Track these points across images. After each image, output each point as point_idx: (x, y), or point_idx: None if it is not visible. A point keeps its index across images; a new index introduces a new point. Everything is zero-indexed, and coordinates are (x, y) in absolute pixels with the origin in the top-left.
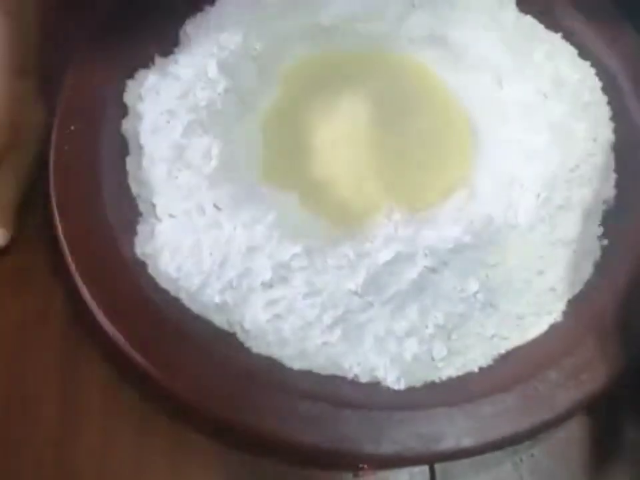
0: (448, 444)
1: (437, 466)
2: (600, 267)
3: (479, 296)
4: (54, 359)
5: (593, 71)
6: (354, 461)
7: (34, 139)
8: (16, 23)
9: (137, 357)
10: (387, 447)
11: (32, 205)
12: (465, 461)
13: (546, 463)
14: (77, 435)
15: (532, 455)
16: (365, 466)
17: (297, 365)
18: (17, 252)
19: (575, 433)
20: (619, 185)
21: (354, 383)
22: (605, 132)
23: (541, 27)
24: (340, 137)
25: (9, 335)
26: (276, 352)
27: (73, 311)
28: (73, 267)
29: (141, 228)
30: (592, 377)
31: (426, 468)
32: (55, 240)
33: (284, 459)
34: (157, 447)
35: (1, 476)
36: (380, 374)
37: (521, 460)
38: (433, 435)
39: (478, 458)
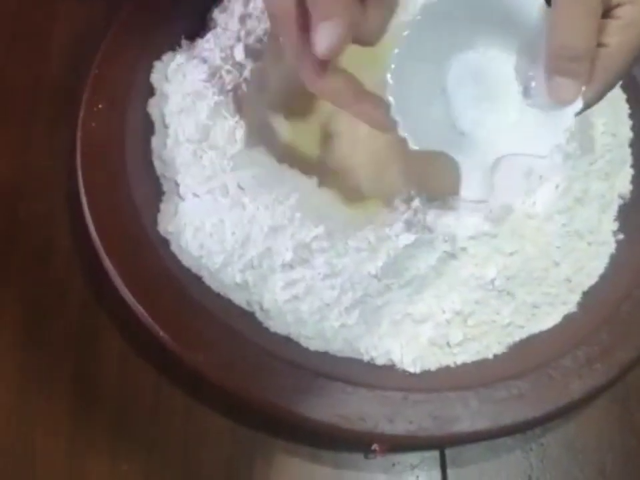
0: (462, 426)
1: (448, 451)
2: (614, 261)
3: (497, 283)
4: (72, 329)
5: None
6: (368, 440)
7: None
8: None
9: (158, 330)
10: (401, 427)
11: (57, 179)
12: (475, 447)
13: (556, 452)
14: (91, 407)
15: (542, 444)
16: (377, 447)
17: (313, 346)
18: (41, 224)
19: (584, 423)
20: (635, 180)
21: (370, 365)
22: (624, 128)
23: None
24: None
25: (29, 304)
26: (293, 332)
27: (94, 283)
28: (96, 241)
29: (164, 206)
30: (605, 367)
31: (437, 453)
32: (79, 214)
33: (296, 438)
34: (171, 421)
35: (14, 449)
36: (396, 357)
37: (531, 449)
38: (447, 417)
39: (488, 445)
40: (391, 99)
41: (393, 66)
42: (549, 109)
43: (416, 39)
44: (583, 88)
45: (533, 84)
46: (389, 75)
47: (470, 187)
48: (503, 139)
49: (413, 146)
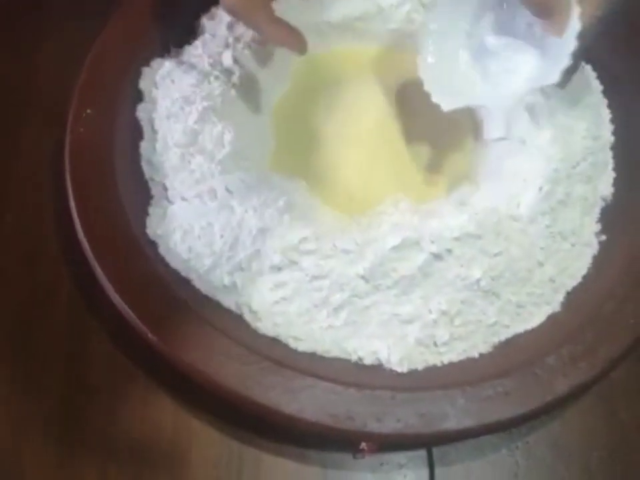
0: (449, 424)
1: (435, 450)
2: (597, 261)
3: (482, 284)
4: (61, 332)
5: (594, 74)
6: (356, 439)
7: None
8: None
9: (146, 332)
10: (390, 425)
11: (45, 183)
12: (462, 446)
13: (541, 450)
14: (81, 411)
15: (527, 442)
16: (365, 447)
17: (302, 347)
18: (29, 228)
19: (569, 421)
20: (616, 183)
21: (358, 365)
22: (605, 132)
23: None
24: (348, 129)
25: (17, 308)
26: (282, 333)
27: (83, 287)
28: (85, 245)
29: (152, 210)
30: (589, 365)
31: (424, 452)
32: (67, 218)
33: (285, 438)
34: (160, 423)
35: (3, 454)
36: (383, 356)
37: (517, 447)
38: (434, 415)
39: (474, 443)
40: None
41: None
42: (555, 45)
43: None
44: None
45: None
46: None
47: (494, 129)
48: (519, 80)
49: (446, 108)
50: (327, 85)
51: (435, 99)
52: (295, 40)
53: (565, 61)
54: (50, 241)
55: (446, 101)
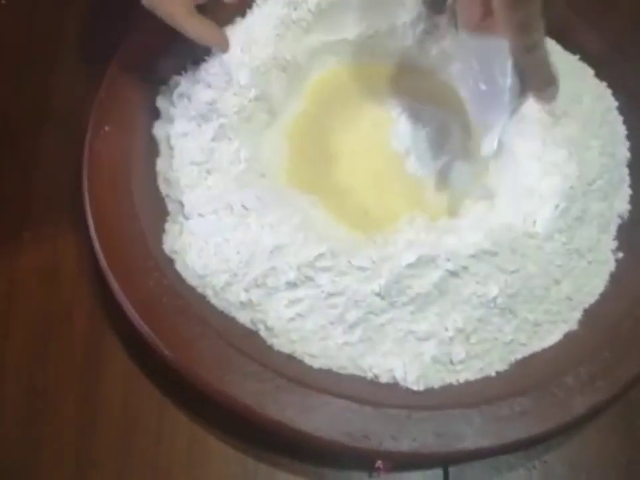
0: (466, 443)
1: (451, 469)
2: (615, 279)
3: (498, 301)
4: (78, 348)
5: (609, 91)
6: (372, 458)
7: None
8: None
9: (162, 349)
10: (406, 444)
11: (64, 200)
12: (478, 465)
13: (559, 469)
14: (97, 427)
15: (545, 462)
16: (381, 465)
17: (317, 364)
18: (47, 246)
19: (587, 440)
20: (633, 200)
21: (373, 383)
22: (621, 149)
23: (558, 47)
24: (363, 146)
25: (35, 325)
26: (297, 350)
27: (100, 303)
28: (102, 261)
29: (169, 226)
30: (607, 384)
31: (440, 471)
32: (85, 235)
33: (300, 456)
34: (176, 440)
35: (20, 473)
36: (399, 374)
37: (534, 466)
38: (451, 434)
39: (491, 463)
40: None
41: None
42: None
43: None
44: None
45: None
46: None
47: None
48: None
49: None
50: (343, 102)
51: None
52: (215, 36)
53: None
54: (68, 257)
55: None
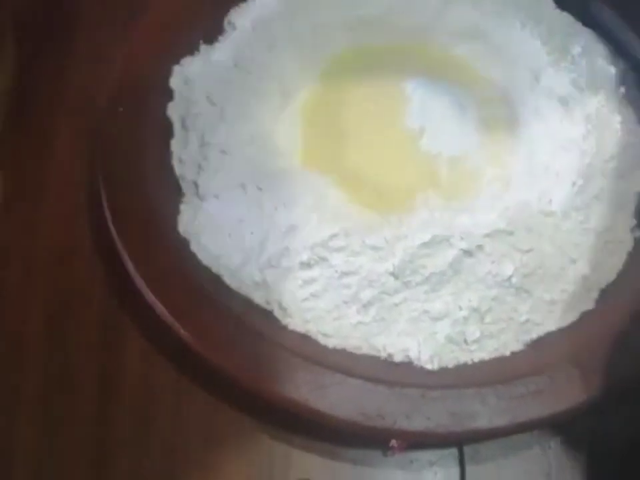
0: (480, 423)
1: (466, 448)
2: (632, 258)
3: (513, 280)
4: (94, 328)
5: (628, 66)
6: (386, 437)
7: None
8: None
9: (178, 328)
10: (420, 424)
11: (79, 182)
12: (494, 445)
13: (574, 449)
14: (114, 408)
15: (560, 442)
16: (395, 444)
17: (331, 343)
18: (64, 225)
19: (604, 419)
20: None
21: (387, 363)
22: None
23: (578, 23)
24: (377, 126)
25: (51, 304)
26: (312, 329)
27: (115, 284)
28: (117, 242)
29: (183, 207)
30: (625, 364)
31: (455, 450)
32: (100, 216)
33: (315, 435)
34: (192, 420)
35: (38, 453)
36: (413, 354)
37: (550, 446)
38: (465, 414)
39: (506, 442)
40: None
41: None
42: None
43: None
44: None
45: None
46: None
47: None
48: None
49: None
50: (356, 80)
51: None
52: None
53: None
54: (84, 238)
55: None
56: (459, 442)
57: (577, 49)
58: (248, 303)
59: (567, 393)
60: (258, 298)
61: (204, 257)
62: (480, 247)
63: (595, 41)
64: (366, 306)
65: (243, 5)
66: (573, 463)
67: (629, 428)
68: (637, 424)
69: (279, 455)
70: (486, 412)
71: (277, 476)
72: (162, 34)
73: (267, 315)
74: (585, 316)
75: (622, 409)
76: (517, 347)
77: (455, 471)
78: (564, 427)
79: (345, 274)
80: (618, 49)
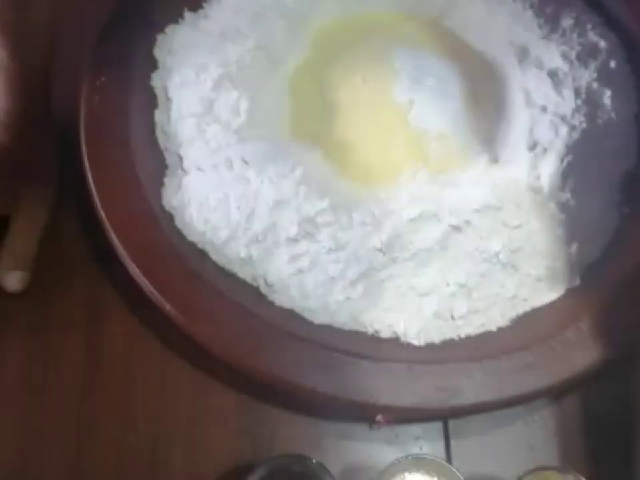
0: (466, 398)
1: (451, 422)
2: (618, 234)
3: (501, 256)
4: (79, 303)
5: (618, 40)
6: (372, 412)
7: (50, 190)
8: None
9: (164, 304)
10: (406, 399)
11: (62, 153)
12: (478, 419)
13: (558, 423)
14: (100, 382)
15: (544, 416)
16: (381, 418)
17: (318, 319)
18: (47, 202)
19: (587, 393)
20: None
21: (374, 338)
22: (629, 104)
23: None
24: (366, 98)
25: (37, 284)
26: (298, 306)
27: (100, 260)
28: (102, 217)
29: (168, 180)
30: (608, 340)
31: (440, 424)
32: (84, 189)
33: (301, 409)
34: (177, 394)
35: (23, 426)
36: (399, 330)
37: (534, 420)
38: (451, 389)
39: (491, 416)
40: None
41: None
42: None
43: None
44: None
45: None
46: None
47: None
48: None
49: None
50: (345, 52)
51: None
52: None
53: None
54: (68, 212)
55: None
56: (445, 417)
57: (568, 22)
58: (234, 278)
59: (552, 368)
60: (244, 274)
61: (189, 233)
62: (468, 222)
63: (587, 13)
64: (353, 282)
65: None
66: (556, 437)
67: (612, 402)
68: (620, 399)
69: (264, 429)
70: (471, 387)
71: (261, 449)
72: (146, 1)
73: (253, 290)
74: (571, 292)
75: (605, 385)
76: (503, 322)
77: (440, 445)
78: (548, 401)
79: (332, 250)
80: (609, 22)
